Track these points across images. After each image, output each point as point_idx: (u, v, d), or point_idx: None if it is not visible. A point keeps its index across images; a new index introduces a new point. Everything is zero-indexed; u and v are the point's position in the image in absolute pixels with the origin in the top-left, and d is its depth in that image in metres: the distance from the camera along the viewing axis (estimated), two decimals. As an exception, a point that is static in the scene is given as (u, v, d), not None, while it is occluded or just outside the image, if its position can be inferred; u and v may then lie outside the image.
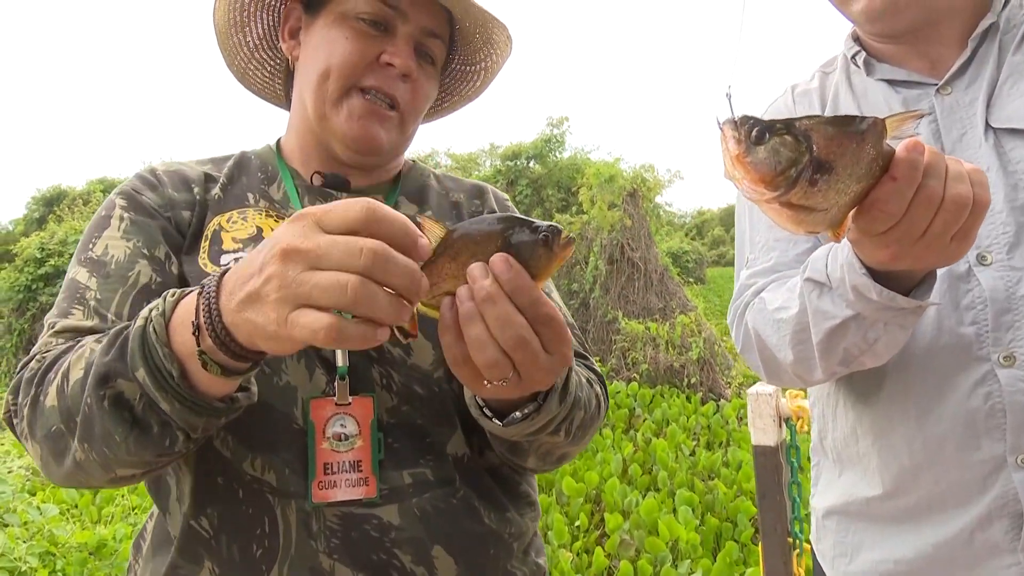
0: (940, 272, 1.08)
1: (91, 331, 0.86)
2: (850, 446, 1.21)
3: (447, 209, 1.22)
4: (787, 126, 0.69)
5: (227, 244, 0.98)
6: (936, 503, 1.09)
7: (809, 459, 1.40)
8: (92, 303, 0.90)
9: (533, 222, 0.70)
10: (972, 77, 1.15)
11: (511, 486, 1.06)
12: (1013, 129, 1.08)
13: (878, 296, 0.91)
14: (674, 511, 5.05)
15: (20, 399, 0.82)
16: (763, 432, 2.39)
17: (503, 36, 1.16)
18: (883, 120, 0.74)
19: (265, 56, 1.21)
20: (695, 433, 7.36)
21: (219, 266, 0.95)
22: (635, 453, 6.55)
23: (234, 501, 0.89)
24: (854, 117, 0.73)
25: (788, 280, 1.14)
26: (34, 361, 0.83)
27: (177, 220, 1.00)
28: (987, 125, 1.10)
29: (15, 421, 0.83)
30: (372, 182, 1.17)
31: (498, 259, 0.67)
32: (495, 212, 1.24)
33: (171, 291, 0.75)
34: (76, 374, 0.76)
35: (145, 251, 0.95)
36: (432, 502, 0.95)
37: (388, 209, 0.62)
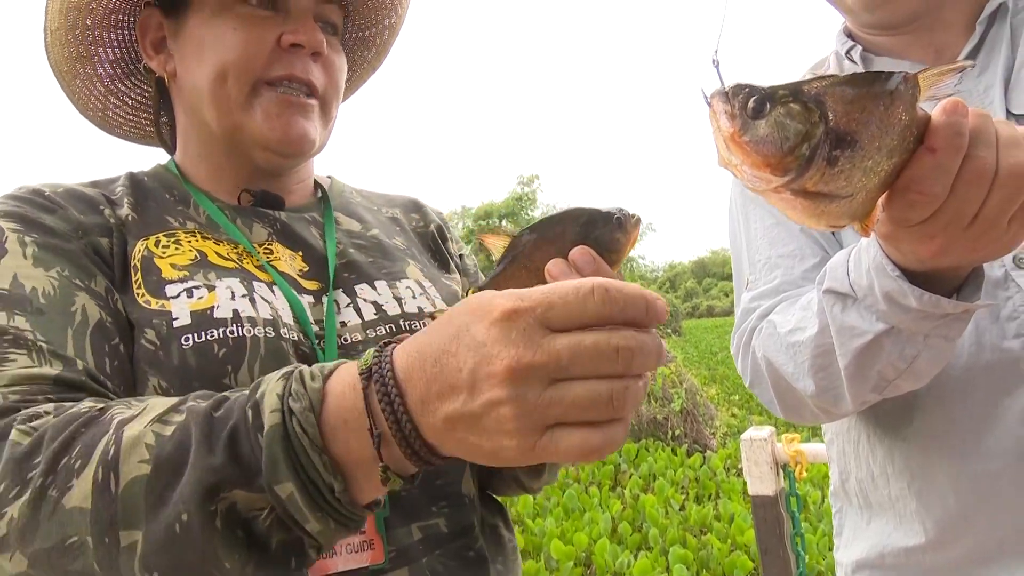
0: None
1: (58, 381, 0.68)
2: (880, 488, 1.05)
3: (386, 224, 1.09)
4: (793, 91, 0.55)
5: (168, 272, 0.82)
6: (993, 552, 0.92)
7: (809, 506, 1.23)
8: (41, 344, 0.70)
9: (599, 210, 0.69)
10: (984, 63, 1.03)
11: (502, 532, 0.95)
12: None
13: (918, 302, 0.76)
14: (668, 570, 4.82)
15: (3, 489, 0.59)
16: (760, 481, 2.21)
17: None
18: (915, 75, 0.59)
19: (126, 87, 1.04)
20: (683, 487, 7.17)
21: (166, 299, 0.79)
22: (624, 511, 6.34)
23: None
24: (879, 73, 0.58)
25: (800, 298, 0.99)
26: (16, 431, 0.61)
27: (95, 247, 0.82)
28: (1008, 113, 0.98)
29: None
30: (301, 198, 1.03)
31: (580, 252, 0.66)
32: (435, 223, 1.15)
33: (279, 374, 0.59)
34: (134, 469, 0.57)
35: (78, 282, 0.77)
36: (444, 560, 0.83)
37: (619, 285, 0.51)
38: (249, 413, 0.57)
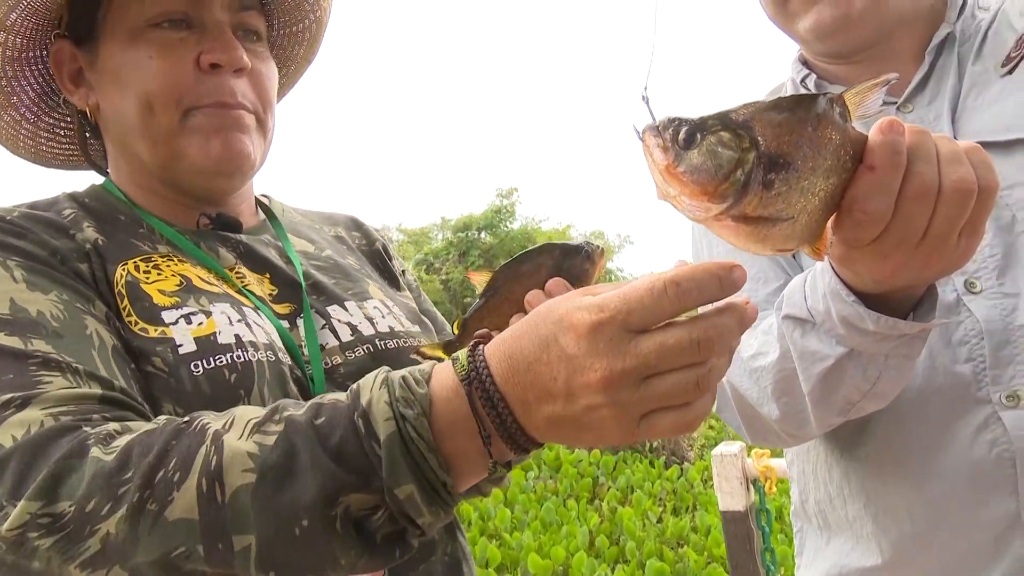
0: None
1: (103, 400, 0.69)
2: (837, 509, 1.06)
3: (333, 243, 1.10)
4: (722, 120, 0.56)
5: (159, 299, 0.80)
6: (947, 572, 0.94)
7: (779, 521, 1.24)
8: (76, 366, 0.70)
9: (568, 244, 0.76)
10: (933, 92, 1.06)
11: (460, 537, 0.98)
12: (983, 143, 0.98)
13: (875, 325, 0.77)
14: (644, 584, 4.83)
15: (94, 505, 0.59)
16: (731, 496, 2.22)
17: None
18: (840, 95, 0.60)
19: (54, 119, 1.01)
20: (661, 499, 7.18)
21: (165, 325, 0.78)
22: (601, 524, 6.34)
23: None
24: (805, 96, 0.59)
25: (762, 322, 1.00)
26: (96, 448, 0.61)
27: (77, 272, 0.80)
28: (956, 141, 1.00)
29: (62, 539, 0.59)
30: (252, 219, 1.03)
31: (556, 284, 0.72)
32: (379, 241, 1.17)
33: (375, 382, 0.63)
34: (239, 478, 0.59)
35: (80, 306, 0.76)
36: (430, 569, 0.86)
37: (687, 274, 0.55)
38: (360, 422, 0.60)
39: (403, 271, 1.16)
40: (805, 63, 1.19)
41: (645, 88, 0.60)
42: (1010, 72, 1.00)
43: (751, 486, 2.29)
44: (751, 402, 0.98)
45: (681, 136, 0.55)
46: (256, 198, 1.08)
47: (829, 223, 0.64)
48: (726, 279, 0.55)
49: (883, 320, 0.76)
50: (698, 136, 0.55)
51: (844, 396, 0.88)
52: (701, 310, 0.57)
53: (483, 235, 18.21)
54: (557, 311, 0.57)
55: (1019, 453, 0.89)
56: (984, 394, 0.91)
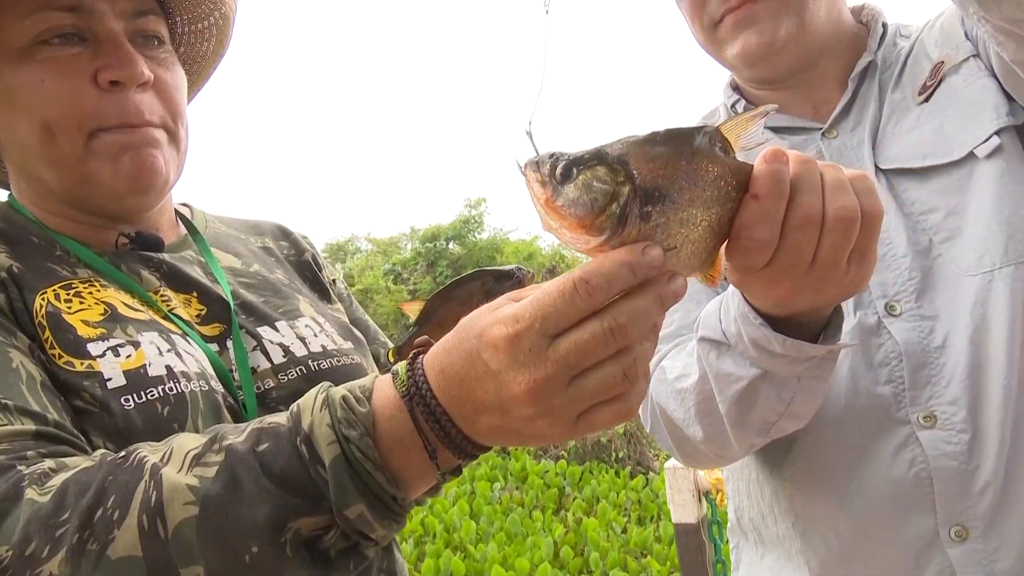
0: (849, 326, 0.98)
1: (38, 435, 0.67)
2: (770, 526, 1.08)
3: (261, 256, 1.07)
4: (598, 155, 0.57)
5: (83, 330, 0.77)
6: None
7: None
8: (6, 402, 0.68)
9: (500, 269, 0.77)
10: (857, 119, 1.09)
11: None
12: (902, 169, 1.01)
13: (782, 348, 0.79)
14: (608, 595, 4.83)
15: (33, 549, 0.58)
16: (683, 509, 2.24)
17: None
18: (716, 128, 0.62)
19: None
20: (626, 509, 7.21)
21: (92, 358, 0.76)
22: (566, 534, 6.34)
23: None
24: (679, 129, 0.61)
25: (688, 343, 1.02)
26: (31, 489, 0.60)
27: None
28: (876, 167, 1.03)
29: None
30: (173, 234, 0.99)
31: None
32: (309, 251, 1.14)
33: (315, 402, 0.63)
34: (181, 511, 0.59)
35: (2, 338, 0.74)
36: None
37: (594, 268, 0.55)
38: (303, 448, 0.60)
39: (333, 280, 1.14)
40: (736, 88, 1.22)
41: (529, 123, 0.61)
42: (926, 100, 1.03)
43: (703, 498, 2.31)
44: (677, 423, 1.00)
45: (558, 171, 0.56)
46: (176, 209, 1.04)
47: (722, 250, 0.65)
48: (638, 264, 0.55)
49: (789, 343, 0.78)
50: (574, 171, 0.56)
51: (760, 416, 0.89)
52: None
53: (451, 245, 18.18)
54: (477, 325, 0.58)
55: (936, 472, 0.91)
56: (903, 415, 0.94)
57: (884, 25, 1.14)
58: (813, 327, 0.79)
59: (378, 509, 0.61)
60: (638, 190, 0.56)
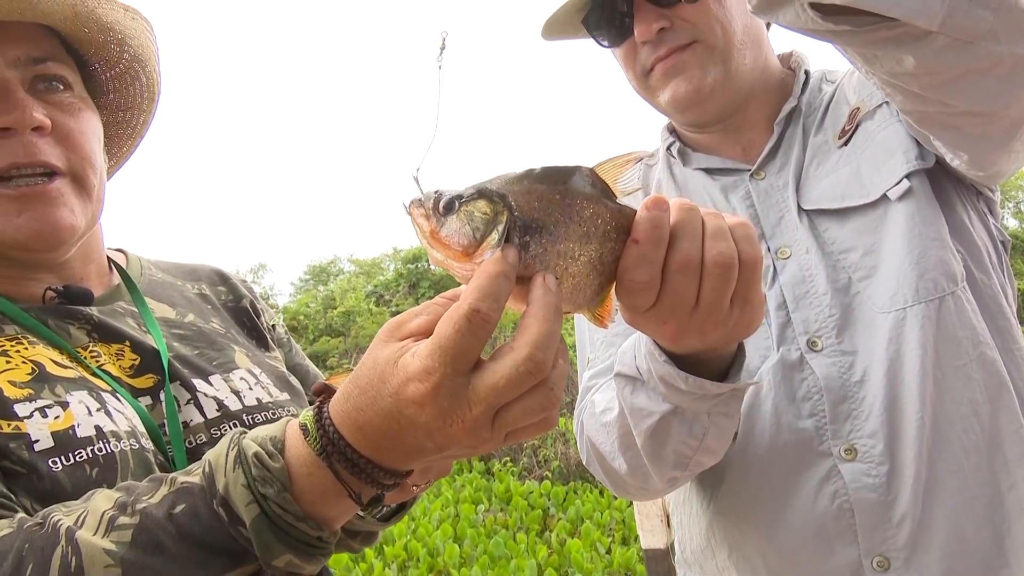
0: (772, 362, 1.01)
1: None
2: (708, 559, 1.10)
3: (197, 304, 1.06)
4: (479, 189, 0.61)
5: (10, 392, 0.77)
6: None
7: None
8: None
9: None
10: (783, 160, 1.13)
11: None
12: (822, 210, 1.05)
13: (686, 385, 0.81)
14: (591, 617, 4.81)
15: None
16: (651, 534, 2.26)
17: (116, 15, 0.91)
18: (589, 168, 0.65)
19: None
20: (610, 529, 7.18)
21: (19, 420, 0.75)
22: (550, 556, 6.31)
23: None
24: (559, 167, 0.64)
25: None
26: None
27: None
28: (799, 207, 1.07)
29: None
30: (103, 284, 0.98)
31: None
32: (247, 296, 1.13)
33: (226, 459, 0.64)
34: (102, 574, 0.60)
35: None
36: None
37: (481, 294, 0.57)
38: (221, 511, 0.62)
39: (272, 326, 1.15)
40: (672, 131, 1.26)
41: (417, 169, 0.65)
42: (845, 144, 1.08)
43: (671, 523, 2.33)
44: (605, 456, 1.03)
45: (441, 205, 0.60)
46: (109, 256, 1.02)
47: (612, 291, 0.68)
48: (506, 267, 0.58)
49: (691, 380, 0.81)
50: (456, 204, 0.60)
51: (675, 450, 0.92)
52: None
53: (433, 267, 18.16)
54: (390, 383, 0.58)
55: (857, 504, 0.95)
56: (825, 448, 0.97)
57: (807, 72, 1.19)
58: (717, 366, 0.82)
59: (305, 553, 0.64)
60: (516, 220, 0.60)
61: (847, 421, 0.97)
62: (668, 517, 2.31)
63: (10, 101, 0.82)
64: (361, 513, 0.75)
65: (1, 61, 0.83)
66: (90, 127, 0.90)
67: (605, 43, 1.18)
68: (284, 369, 1.07)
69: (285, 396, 0.99)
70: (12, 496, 0.71)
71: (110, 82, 1.00)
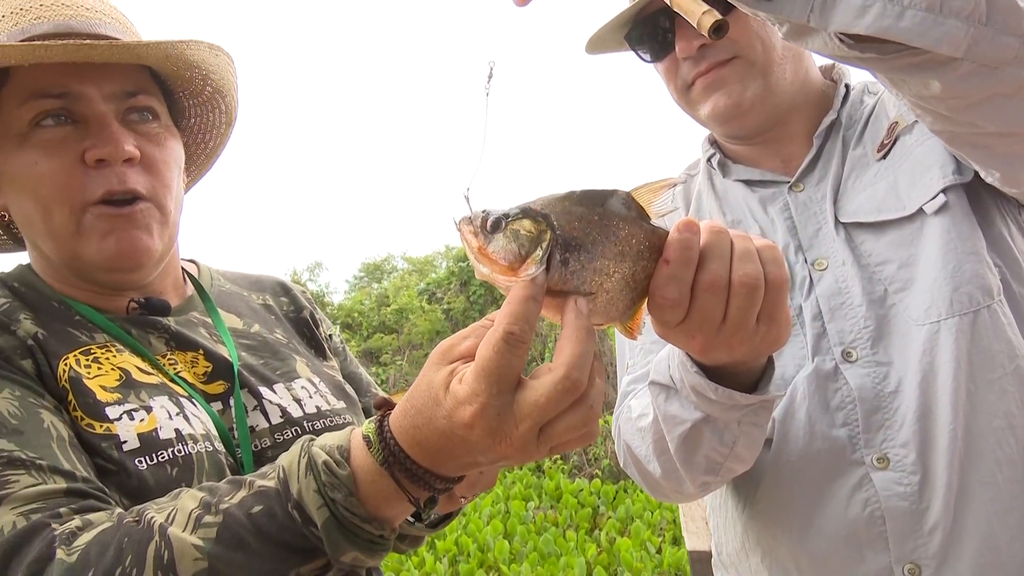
0: (807, 371, 1.04)
1: (68, 493, 0.76)
2: (743, 561, 1.14)
3: (262, 314, 1.15)
4: (523, 210, 0.66)
5: (102, 395, 0.85)
6: None
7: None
8: (39, 463, 0.77)
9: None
10: (821, 173, 1.15)
11: None
12: (859, 223, 1.07)
13: (715, 395, 0.86)
14: (640, 616, 4.80)
15: None
16: (696, 536, 2.28)
17: (202, 53, 0.99)
18: (627, 192, 0.70)
19: None
20: (660, 528, 7.14)
21: (109, 422, 0.84)
22: (600, 554, 6.31)
23: None
24: (599, 191, 0.69)
25: None
26: (61, 549, 0.69)
27: (22, 369, 0.84)
28: (837, 220, 1.09)
29: None
30: (179, 296, 1.07)
31: None
32: (307, 308, 1.22)
33: (299, 466, 0.72)
34: (191, 566, 0.69)
35: (33, 400, 0.82)
36: None
37: (513, 317, 0.62)
38: (295, 513, 0.70)
39: (330, 335, 1.23)
40: (713, 143, 1.29)
41: (467, 188, 0.71)
42: (884, 157, 1.10)
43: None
44: (641, 459, 1.07)
45: (489, 223, 0.65)
46: (183, 267, 1.11)
47: (644, 306, 0.73)
48: (534, 290, 0.63)
49: (721, 390, 0.85)
50: (502, 223, 0.65)
51: (706, 456, 0.96)
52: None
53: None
54: (443, 406, 0.65)
55: (888, 512, 0.97)
56: (858, 456, 1.00)
57: (847, 86, 1.21)
58: (748, 378, 0.86)
59: (369, 550, 0.72)
60: (558, 239, 0.65)
61: (880, 431, 0.99)
62: (713, 519, 2.33)
63: (105, 134, 0.90)
64: (412, 519, 0.84)
65: (99, 95, 0.91)
66: (173, 156, 0.99)
67: (647, 58, 1.22)
68: (340, 378, 1.15)
69: (341, 404, 1.07)
70: (106, 490, 0.80)
71: (192, 108, 1.10)
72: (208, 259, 1.21)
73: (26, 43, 0.87)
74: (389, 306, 14.97)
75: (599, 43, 1.25)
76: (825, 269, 1.08)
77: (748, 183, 1.22)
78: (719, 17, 0.67)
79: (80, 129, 0.91)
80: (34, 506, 0.73)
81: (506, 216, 0.66)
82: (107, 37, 0.95)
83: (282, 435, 0.97)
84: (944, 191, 1.01)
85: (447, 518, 0.95)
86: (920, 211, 1.03)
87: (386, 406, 0.74)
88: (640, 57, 1.23)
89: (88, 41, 0.89)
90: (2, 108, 0.91)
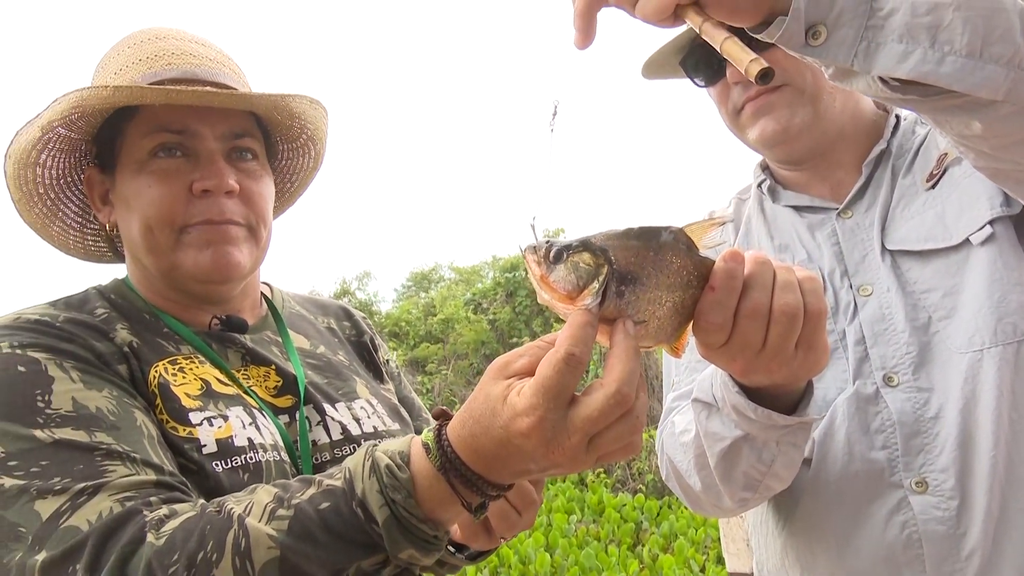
0: (848, 394, 1.07)
1: (158, 484, 0.84)
2: (783, 578, 1.16)
3: (327, 337, 1.24)
4: (584, 243, 0.71)
5: (186, 401, 0.95)
6: None
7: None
8: (134, 456, 0.85)
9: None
10: (870, 201, 1.18)
11: None
12: (906, 251, 1.10)
13: (754, 415, 0.90)
14: (681, 635, 4.75)
15: None
16: (736, 557, 2.29)
17: (304, 106, 1.12)
18: (681, 229, 0.75)
19: (97, 227, 1.16)
20: (705, 546, 7.05)
21: (192, 426, 0.94)
22: (641, 571, 6.26)
23: None
24: (653, 228, 0.74)
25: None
26: (151, 534, 0.77)
27: (118, 373, 0.94)
28: (883, 247, 1.12)
29: None
30: (255, 316, 1.17)
31: None
32: (368, 334, 1.30)
33: (363, 469, 0.79)
34: (265, 554, 0.76)
35: (128, 401, 0.91)
36: None
37: (574, 341, 0.67)
38: (359, 511, 0.77)
39: (387, 360, 1.32)
40: (765, 168, 1.33)
41: (534, 217, 0.77)
42: (933, 187, 1.12)
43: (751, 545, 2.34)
44: (682, 473, 1.12)
45: (551, 254, 0.71)
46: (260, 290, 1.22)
47: (690, 327, 0.78)
48: (591, 317, 0.69)
49: (760, 411, 0.89)
50: (564, 255, 0.71)
51: (744, 473, 1.00)
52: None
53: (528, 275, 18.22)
54: (500, 417, 0.70)
55: (926, 535, 0.99)
56: (897, 479, 1.02)
57: (898, 116, 1.23)
58: (788, 400, 0.90)
59: (425, 548, 0.79)
60: (615, 273, 0.70)
61: (919, 455, 1.01)
62: (756, 538, 2.33)
63: (212, 169, 1.02)
64: (452, 549, 0.94)
65: (211, 135, 1.03)
66: (268, 191, 1.12)
67: (700, 83, 1.27)
68: (395, 400, 1.24)
69: (396, 426, 1.15)
70: (188, 484, 0.88)
71: (285, 151, 1.24)
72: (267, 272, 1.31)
73: (158, 86, 0.99)
74: (436, 315, 15.13)
75: (656, 68, 1.30)
76: (870, 295, 1.11)
77: (797, 208, 1.25)
78: (765, 65, 0.72)
79: (191, 162, 1.02)
80: (128, 494, 0.81)
81: (568, 248, 0.71)
82: (224, 85, 1.07)
83: (341, 451, 1.05)
84: (991, 222, 1.03)
85: (483, 554, 1.02)
86: (967, 241, 1.05)
87: (443, 416, 0.80)
88: (694, 82, 1.28)
89: (211, 89, 1.01)
90: (126, 138, 1.04)
